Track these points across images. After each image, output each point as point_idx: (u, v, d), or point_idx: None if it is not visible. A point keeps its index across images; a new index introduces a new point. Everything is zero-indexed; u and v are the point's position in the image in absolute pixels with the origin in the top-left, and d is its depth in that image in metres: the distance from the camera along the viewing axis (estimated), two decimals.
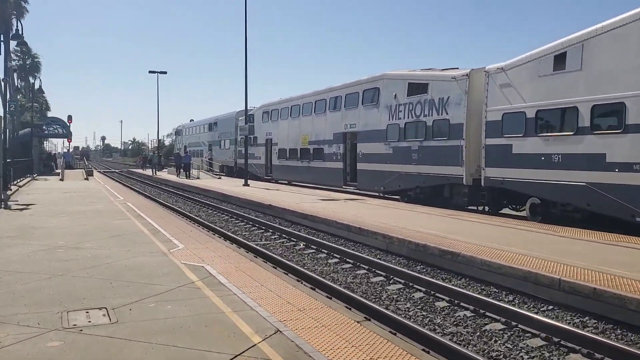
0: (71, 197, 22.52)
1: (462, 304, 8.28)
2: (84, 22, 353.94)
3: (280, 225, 16.91)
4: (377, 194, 23.71)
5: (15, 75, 56.13)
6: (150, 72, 58.55)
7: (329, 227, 15.14)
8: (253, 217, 18.55)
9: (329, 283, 9.55)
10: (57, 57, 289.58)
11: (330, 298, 8.12)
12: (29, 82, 64.05)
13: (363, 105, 23.77)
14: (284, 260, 11.52)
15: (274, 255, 12.09)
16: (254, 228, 16.88)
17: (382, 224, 13.86)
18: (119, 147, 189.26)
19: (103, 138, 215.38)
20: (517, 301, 8.49)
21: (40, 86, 67.38)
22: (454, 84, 18.12)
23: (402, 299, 8.88)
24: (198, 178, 39.13)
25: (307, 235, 14.66)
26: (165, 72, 59.50)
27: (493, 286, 9.16)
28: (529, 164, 15.00)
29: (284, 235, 15.17)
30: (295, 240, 14.39)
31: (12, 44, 37.74)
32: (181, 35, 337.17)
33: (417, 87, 20.17)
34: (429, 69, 20.49)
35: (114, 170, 69.78)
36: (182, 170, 40.74)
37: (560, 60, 14.06)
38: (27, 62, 62.93)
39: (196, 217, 18.96)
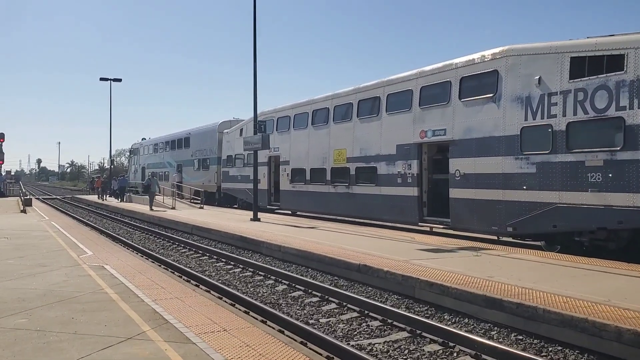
0: (0, 250, 13.25)
1: None
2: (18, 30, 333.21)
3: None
4: (489, 236, 15.51)
5: None
6: (101, 79, 49.19)
7: None
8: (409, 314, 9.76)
9: None
10: None
11: None
12: None
13: (462, 100, 15.61)
14: None
15: None
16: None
17: None
18: (56, 171, 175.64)
19: (39, 161, 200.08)
20: None
21: None
22: None
23: None
24: (173, 208, 29.87)
25: None
26: (120, 80, 50.21)
27: None
28: None
29: None
30: None
31: None
32: (131, 41, 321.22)
33: (594, 64, 12.21)
34: (609, 36, 12.57)
35: (54, 196, 58.85)
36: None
37: None
38: None
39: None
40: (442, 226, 16.46)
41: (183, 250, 16.93)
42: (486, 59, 14.99)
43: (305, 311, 9.37)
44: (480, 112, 14.97)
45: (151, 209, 28.71)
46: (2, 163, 56.20)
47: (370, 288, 10.59)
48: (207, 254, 15.76)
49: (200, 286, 10.96)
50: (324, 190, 22.25)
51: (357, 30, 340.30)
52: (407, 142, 17.61)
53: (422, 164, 17.25)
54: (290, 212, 26.65)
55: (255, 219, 21.86)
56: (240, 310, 8.72)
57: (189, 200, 34.31)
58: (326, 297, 10.11)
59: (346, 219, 21.77)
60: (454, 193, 15.69)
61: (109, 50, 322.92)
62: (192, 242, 17.87)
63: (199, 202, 32.30)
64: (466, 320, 8.34)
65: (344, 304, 9.57)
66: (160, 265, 13.19)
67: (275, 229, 18.54)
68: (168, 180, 41.08)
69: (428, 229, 17.56)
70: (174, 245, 18.03)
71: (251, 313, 8.87)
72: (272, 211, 26.61)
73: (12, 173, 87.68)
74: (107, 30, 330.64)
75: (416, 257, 11.78)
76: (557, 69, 12.94)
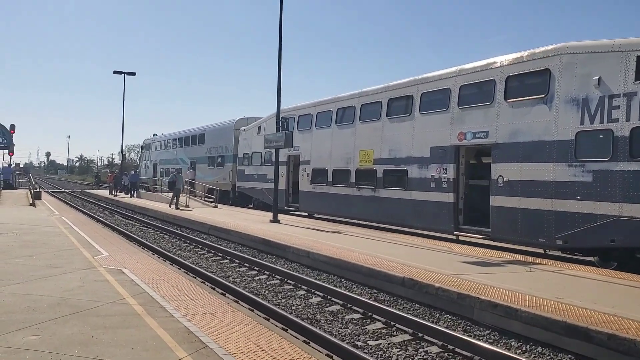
0: (8, 247, 12.23)
1: None
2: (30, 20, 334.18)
3: None
4: (528, 248, 14.38)
5: None
6: (115, 72, 48.34)
7: None
8: None
9: None
10: None
11: None
12: None
13: (508, 100, 14.50)
14: None
15: None
16: None
17: None
18: (65, 164, 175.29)
19: (48, 154, 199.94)
20: None
21: None
22: None
23: None
24: (187, 206, 28.86)
25: None
26: (133, 74, 49.34)
27: None
28: None
29: None
30: None
31: None
32: (142, 40, 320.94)
33: None
34: None
35: (63, 190, 58.09)
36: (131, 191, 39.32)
37: None
38: None
39: None
40: (480, 236, 15.32)
41: (201, 252, 15.91)
42: (536, 57, 13.86)
43: (348, 330, 8.30)
44: (529, 114, 13.84)
45: (177, 208, 27.35)
46: (12, 155, 55.49)
47: (417, 305, 9.50)
48: (228, 257, 14.72)
49: (228, 295, 9.92)
50: (348, 193, 21.15)
51: (368, 35, 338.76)
52: (443, 145, 16.48)
53: (459, 168, 16.12)
54: (307, 214, 25.62)
55: (275, 220, 20.81)
56: (277, 326, 7.65)
57: (202, 198, 33.32)
58: (369, 313, 9.03)
59: (371, 224, 20.68)
60: (496, 201, 14.56)
61: (120, 44, 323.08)
62: (210, 243, 16.84)
63: (212, 200, 31.29)
64: (539, 349, 7.25)
65: (392, 323, 8.48)
66: (179, 269, 12.15)
67: (298, 232, 17.48)
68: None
69: (454, 237, 16.46)
70: (191, 246, 17.01)
71: (290, 331, 7.82)
72: (288, 212, 25.53)
73: (21, 165, 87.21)
74: (120, 23, 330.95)
75: (464, 271, 10.67)
76: (621, 69, 11.80)
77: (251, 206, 30.54)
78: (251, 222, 20.35)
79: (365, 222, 21.09)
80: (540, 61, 13.72)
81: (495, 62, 15.09)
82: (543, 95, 13.47)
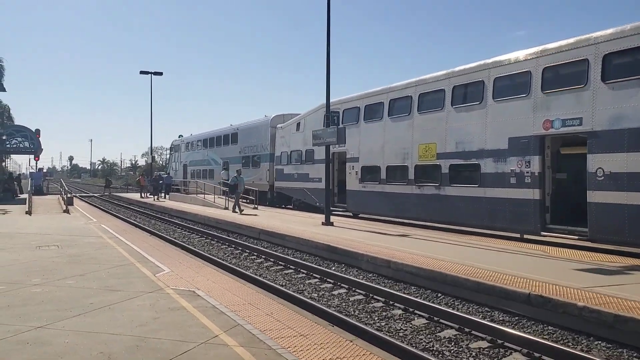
0: (53, 263, 10.80)
1: None
2: (51, 25, 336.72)
3: None
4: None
5: None
6: (142, 72, 47.19)
7: None
8: None
9: None
10: (18, 69, 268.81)
11: None
12: None
13: (607, 82, 12.67)
14: None
15: None
16: None
17: None
18: (88, 168, 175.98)
19: (71, 158, 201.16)
20: None
21: None
22: None
23: None
24: (226, 208, 27.51)
25: None
26: (160, 73, 48.15)
27: None
28: None
29: None
30: None
31: None
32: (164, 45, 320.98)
33: None
34: None
35: (91, 194, 57.28)
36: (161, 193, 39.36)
37: None
38: None
39: None
40: (575, 237, 13.54)
41: (259, 260, 14.39)
42: None
43: None
44: (636, 96, 12.03)
45: (240, 212, 25.00)
46: (38, 159, 54.79)
47: (550, 328, 7.81)
48: (292, 267, 13.17)
49: (318, 317, 8.33)
50: (406, 192, 19.45)
51: (388, 33, 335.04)
52: (524, 135, 14.71)
53: (544, 161, 14.35)
54: (352, 214, 24.02)
55: (328, 222, 19.24)
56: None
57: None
58: (497, 340, 7.37)
59: (432, 224, 18.98)
60: (595, 196, 12.76)
61: (145, 44, 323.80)
62: (269, 251, 15.26)
63: (250, 201, 29.81)
64: None
65: (536, 354, 6.82)
66: (245, 281, 10.60)
67: (360, 236, 15.86)
68: (213, 178, 38.84)
69: (519, 236, 14.84)
70: (245, 254, 15.49)
71: None
72: (331, 212, 23.81)
73: (44, 170, 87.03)
74: (146, 22, 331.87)
75: (591, 283, 8.94)
76: None
77: (290, 207, 29.06)
78: (302, 225, 18.80)
79: (424, 223, 19.41)
80: None
81: (588, 39, 13.26)
82: None
